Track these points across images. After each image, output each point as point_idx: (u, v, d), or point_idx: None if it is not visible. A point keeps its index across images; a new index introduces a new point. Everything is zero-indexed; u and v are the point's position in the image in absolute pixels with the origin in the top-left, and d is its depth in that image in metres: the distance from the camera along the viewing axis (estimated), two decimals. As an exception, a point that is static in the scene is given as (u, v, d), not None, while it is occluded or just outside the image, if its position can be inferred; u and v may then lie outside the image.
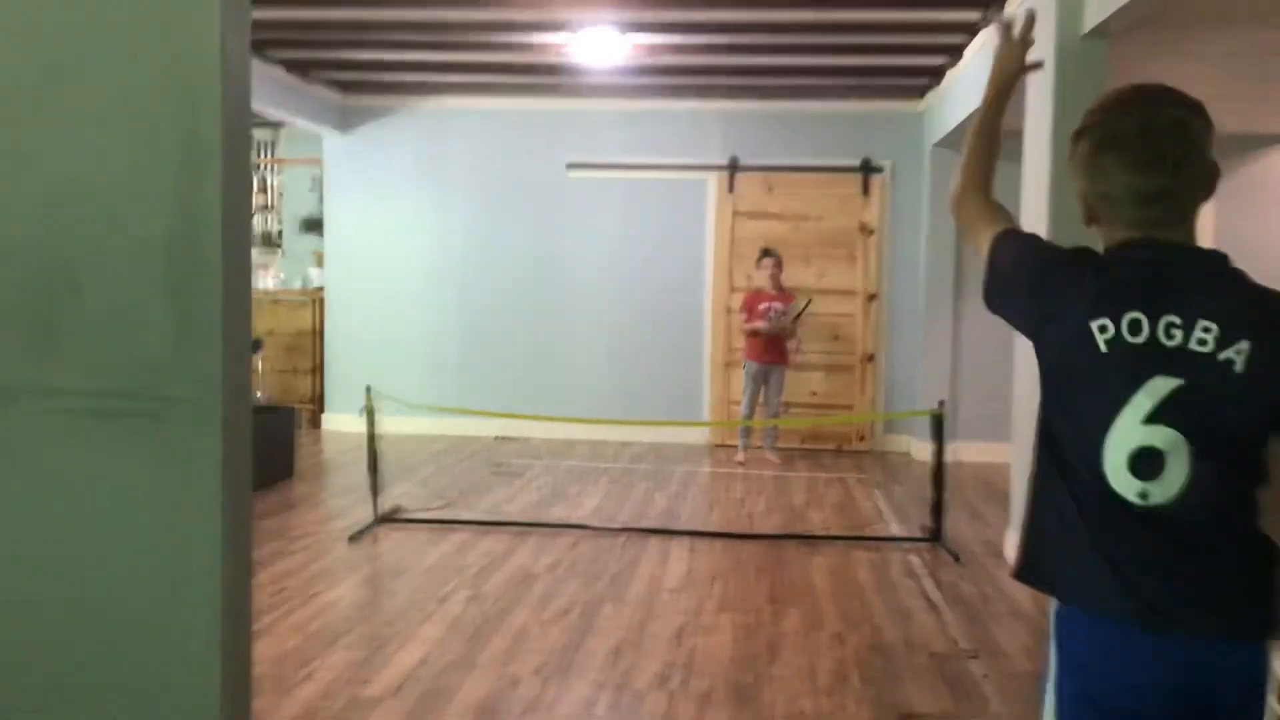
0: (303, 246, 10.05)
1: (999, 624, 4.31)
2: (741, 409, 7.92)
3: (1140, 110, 1.60)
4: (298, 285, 9.59)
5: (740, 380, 8.05)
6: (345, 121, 8.90)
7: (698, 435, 8.68)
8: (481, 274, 8.87)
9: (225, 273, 1.81)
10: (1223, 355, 1.48)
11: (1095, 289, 1.56)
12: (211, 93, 1.78)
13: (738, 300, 8.35)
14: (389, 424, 8.24)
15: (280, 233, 10.19)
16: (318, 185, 9.59)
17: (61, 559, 1.83)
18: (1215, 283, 1.54)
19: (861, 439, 8.63)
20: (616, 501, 6.37)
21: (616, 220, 8.70)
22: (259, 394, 8.74)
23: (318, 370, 9.18)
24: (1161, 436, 1.49)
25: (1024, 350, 5.08)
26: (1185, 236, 1.58)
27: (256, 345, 8.69)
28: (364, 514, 5.84)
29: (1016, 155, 5.60)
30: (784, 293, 7.84)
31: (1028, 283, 1.67)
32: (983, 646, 4.03)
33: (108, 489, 1.82)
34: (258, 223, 10.12)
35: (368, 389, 5.88)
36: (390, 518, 5.82)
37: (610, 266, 8.64)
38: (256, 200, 10.08)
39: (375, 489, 5.80)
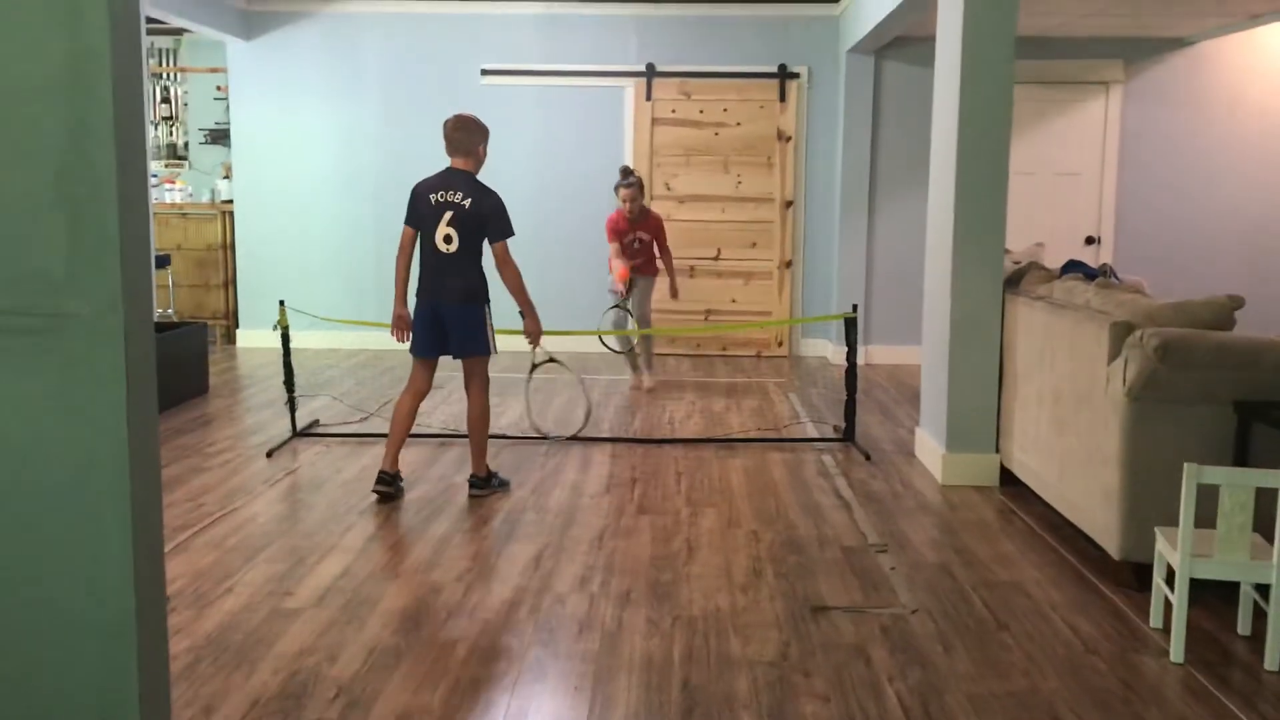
0: (210, 158, 9.76)
1: (907, 519, 4.47)
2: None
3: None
4: (206, 198, 9.33)
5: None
6: (249, 27, 8.59)
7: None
8: (395, 183, 8.68)
9: (120, 184, 1.77)
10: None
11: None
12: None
13: (657, 210, 8.33)
14: (306, 338, 8.16)
15: (186, 144, 9.86)
16: (224, 95, 9.28)
17: (-37, 477, 1.81)
18: (468, 179, 4.61)
19: (780, 344, 8.76)
20: (538, 411, 6.40)
21: (533, 128, 8.59)
22: (170, 310, 8.56)
23: (230, 285, 9.00)
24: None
25: (934, 256, 5.18)
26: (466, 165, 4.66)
27: (163, 260, 8.47)
28: (281, 429, 5.80)
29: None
30: (649, 219, 7.03)
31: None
32: (891, 540, 4.18)
33: (9, 406, 1.80)
34: (162, 135, 9.78)
35: (281, 303, 5.79)
36: (308, 432, 5.79)
37: (527, 176, 8.54)
38: (160, 111, 9.72)
39: (292, 403, 5.76)
